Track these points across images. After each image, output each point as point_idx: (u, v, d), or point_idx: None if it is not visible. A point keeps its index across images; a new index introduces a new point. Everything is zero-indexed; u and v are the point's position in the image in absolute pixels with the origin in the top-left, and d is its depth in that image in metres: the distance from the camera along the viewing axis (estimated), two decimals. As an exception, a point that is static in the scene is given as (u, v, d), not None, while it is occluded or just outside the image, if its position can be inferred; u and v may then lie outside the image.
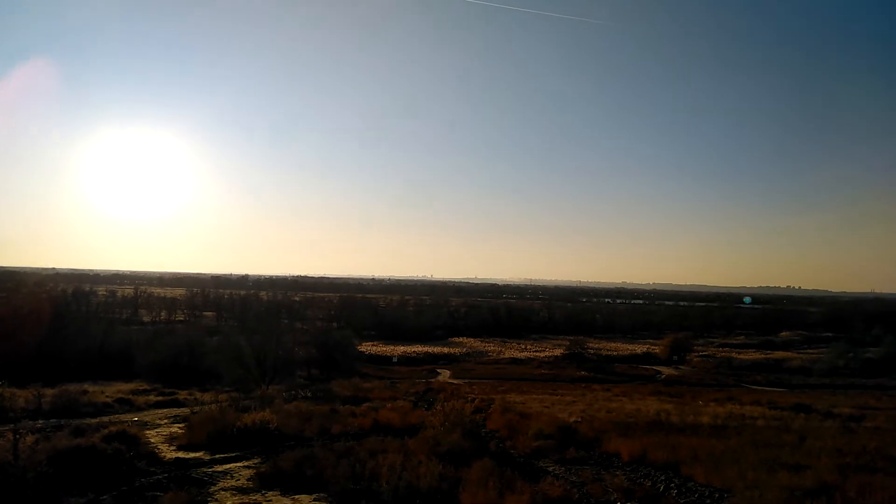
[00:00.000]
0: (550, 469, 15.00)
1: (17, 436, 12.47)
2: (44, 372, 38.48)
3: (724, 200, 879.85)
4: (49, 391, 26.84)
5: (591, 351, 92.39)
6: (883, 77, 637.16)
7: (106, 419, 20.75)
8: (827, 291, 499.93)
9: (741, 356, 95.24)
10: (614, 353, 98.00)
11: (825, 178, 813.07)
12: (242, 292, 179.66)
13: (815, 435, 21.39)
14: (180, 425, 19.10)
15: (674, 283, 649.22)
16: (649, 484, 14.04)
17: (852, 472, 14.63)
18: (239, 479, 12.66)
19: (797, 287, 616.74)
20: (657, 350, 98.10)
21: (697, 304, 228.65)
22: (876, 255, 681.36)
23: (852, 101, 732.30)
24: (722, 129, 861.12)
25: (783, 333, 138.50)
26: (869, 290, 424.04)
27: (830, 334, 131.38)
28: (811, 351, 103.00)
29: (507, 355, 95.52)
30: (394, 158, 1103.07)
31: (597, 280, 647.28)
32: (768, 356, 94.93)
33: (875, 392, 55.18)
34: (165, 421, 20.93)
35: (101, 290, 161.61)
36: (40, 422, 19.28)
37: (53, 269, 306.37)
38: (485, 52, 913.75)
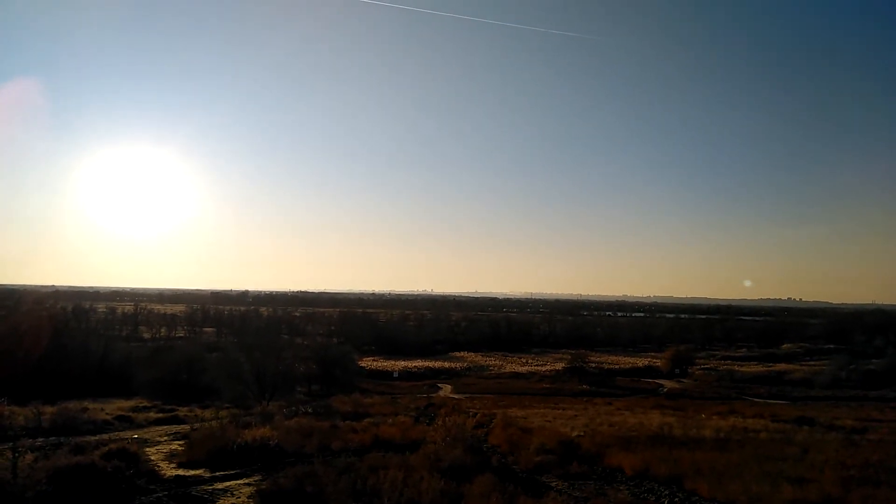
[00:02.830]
0: (553, 484, 14.92)
1: (17, 454, 12.43)
2: (43, 389, 38.34)
3: (723, 213, 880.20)
4: (49, 409, 26.73)
5: (593, 364, 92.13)
6: (882, 87, 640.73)
7: (106, 437, 20.65)
8: (828, 303, 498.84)
9: (743, 369, 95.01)
10: (616, 367, 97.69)
11: (825, 189, 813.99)
12: (242, 308, 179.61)
13: (818, 448, 21.31)
14: (180, 442, 19.01)
15: (674, 295, 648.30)
16: (653, 499, 13.98)
17: (856, 486, 14.59)
18: (239, 497, 12.59)
19: (798, 299, 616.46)
20: (659, 363, 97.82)
21: (698, 316, 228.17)
22: (876, 266, 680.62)
23: (851, 111, 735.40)
24: (721, 142, 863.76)
25: (784, 346, 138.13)
26: (870, 302, 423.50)
27: (832, 346, 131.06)
28: (813, 363, 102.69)
29: (508, 370, 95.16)
30: (394, 173, 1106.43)
31: (597, 293, 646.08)
32: (770, 368, 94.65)
33: (878, 404, 55.07)
34: (165, 438, 20.83)
35: (101, 306, 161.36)
36: (40, 440, 19.18)
37: (53, 286, 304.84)
38: (482, 67, 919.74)
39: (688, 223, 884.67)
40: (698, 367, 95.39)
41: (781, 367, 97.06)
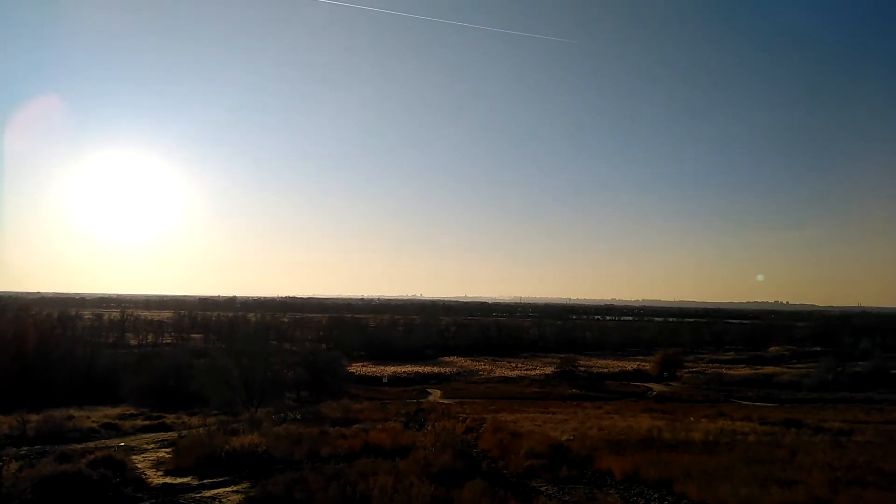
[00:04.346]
0: (543, 489, 14.91)
1: (1, 463, 12.28)
2: (28, 398, 37.92)
3: (712, 218, 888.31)
4: (34, 417, 26.48)
5: (582, 368, 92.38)
6: (870, 92, 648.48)
7: (92, 445, 20.46)
8: (814, 306, 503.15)
9: (731, 372, 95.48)
10: (605, 371, 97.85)
11: (811, 193, 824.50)
12: (230, 314, 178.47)
13: (806, 450, 21.47)
14: (168, 450, 18.84)
15: (662, 299, 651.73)
16: (642, 502, 14.00)
17: (843, 487, 14.69)
18: (228, 504, 12.48)
19: (785, 302, 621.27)
20: (647, 366, 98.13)
21: (686, 320, 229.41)
22: (862, 270, 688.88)
23: (837, 116, 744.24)
24: (708, 147, 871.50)
25: (772, 348, 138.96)
26: (856, 305, 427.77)
27: (819, 349, 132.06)
28: (800, 366, 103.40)
29: (497, 374, 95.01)
30: (382, 178, 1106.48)
31: (586, 297, 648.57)
32: (758, 371, 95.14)
33: (864, 406, 55.54)
34: (152, 446, 20.64)
35: (87, 313, 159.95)
36: (25, 448, 18.97)
37: (38, 293, 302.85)
38: (470, 72, 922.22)
39: (676, 227, 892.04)
40: (687, 370, 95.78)
41: (769, 369, 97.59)
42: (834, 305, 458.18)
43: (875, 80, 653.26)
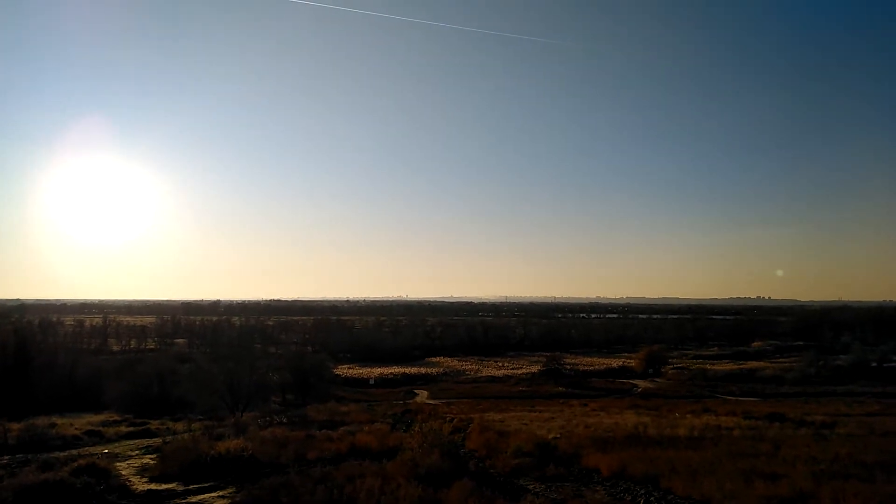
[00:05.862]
0: (530, 487, 14.94)
1: (-19, 473, 12.10)
2: (10, 406, 37.46)
3: (695, 215, 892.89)
4: (15, 426, 26.14)
5: (568, 366, 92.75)
6: (852, 92, 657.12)
7: (75, 452, 20.23)
8: (796, 301, 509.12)
9: (715, 367, 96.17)
10: (591, 368, 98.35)
11: (792, 191, 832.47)
12: (214, 318, 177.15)
13: (790, 443, 21.70)
14: (152, 456, 18.67)
15: (647, 296, 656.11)
16: (629, 498, 14.07)
17: (826, 480, 14.85)
18: (214, 510, 12.39)
19: (767, 297, 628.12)
20: (633, 363, 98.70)
21: (670, 316, 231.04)
22: (843, 265, 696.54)
23: (818, 115, 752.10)
24: (692, 146, 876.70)
25: (755, 343, 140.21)
26: (836, 299, 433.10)
27: (801, 343, 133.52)
28: (783, 360, 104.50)
29: (484, 374, 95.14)
30: (365, 180, 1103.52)
31: (571, 295, 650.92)
32: (741, 366, 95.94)
33: (846, 399, 56.30)
34: (137, 452, 20.43)
35: (69, 320, 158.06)
36: (6, 457, 18.74)
37: (19, 299, 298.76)
38: (455, 73, 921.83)
39: (660, 226, 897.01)
40: (671, 366, 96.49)
41: (752, 364, 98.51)
42: (815, 300, 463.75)
43: (858, 82, 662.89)
